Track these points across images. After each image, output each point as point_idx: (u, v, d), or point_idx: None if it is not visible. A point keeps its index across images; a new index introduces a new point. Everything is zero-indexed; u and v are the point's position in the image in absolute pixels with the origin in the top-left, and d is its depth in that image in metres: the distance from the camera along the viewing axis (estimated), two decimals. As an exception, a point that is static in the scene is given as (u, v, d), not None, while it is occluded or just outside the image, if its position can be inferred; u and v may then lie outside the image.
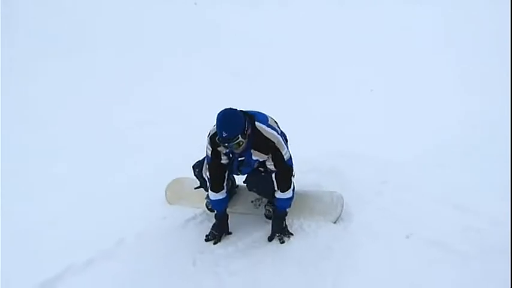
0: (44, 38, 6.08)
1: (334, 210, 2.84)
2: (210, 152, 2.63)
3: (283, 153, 2.59)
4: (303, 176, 3.26)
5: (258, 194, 2.88)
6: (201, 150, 2.67)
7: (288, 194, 2.68)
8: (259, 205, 2.96)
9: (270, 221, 2.75)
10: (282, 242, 2.67)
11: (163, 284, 2.30)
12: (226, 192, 2.74)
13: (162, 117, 4.45)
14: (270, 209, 2.79)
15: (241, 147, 2.47)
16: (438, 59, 5.83)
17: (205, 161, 2.71)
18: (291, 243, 2.63)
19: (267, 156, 2.60)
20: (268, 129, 2.57)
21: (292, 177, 2.69)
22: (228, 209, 2.81)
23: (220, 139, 2.41)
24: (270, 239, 2.70)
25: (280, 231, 2.71)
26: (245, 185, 2.89)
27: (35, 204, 3.14)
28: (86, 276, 2.32)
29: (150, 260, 2.47)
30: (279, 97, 4.49)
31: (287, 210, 2.74)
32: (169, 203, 3.09)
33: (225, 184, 2.72)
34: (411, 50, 6.22)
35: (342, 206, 2.85)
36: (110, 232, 2.70)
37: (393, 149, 3.63)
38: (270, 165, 2.63)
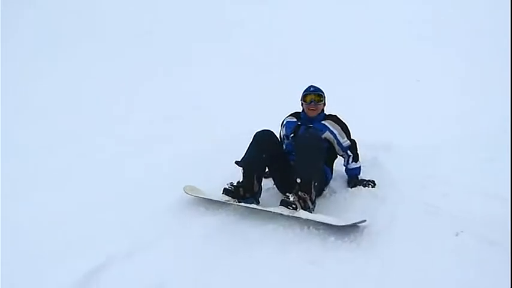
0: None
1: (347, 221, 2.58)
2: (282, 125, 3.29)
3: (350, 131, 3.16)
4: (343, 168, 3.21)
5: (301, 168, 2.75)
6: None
7: (359, 163, 3.18)
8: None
9: (284, 213, 2.64)
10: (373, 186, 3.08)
11: (205, 273, 2.26)
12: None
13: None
14: (289, 196, 2.65)
15: (318, 106, 3.12)
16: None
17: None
18: (332, 240, 2.49)
19: (338, 127, 3.09)
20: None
21: None
22: (242, 204, 2.76)
23: (307, 91, 3.15)
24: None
25: (360, 184, 3.09)
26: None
27: (76, 194, 3.15)
28: (128, 266, 2.30)
29: (191, 252, 2.44)
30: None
31: (359, 176, 3.17)
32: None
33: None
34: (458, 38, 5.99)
35: (354, 225, 2.58)
36: (150, 224, 2.68)
37: (438, 142, 3.50)
38: (345, 142, 3.11)
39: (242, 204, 2.76)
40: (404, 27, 7.04)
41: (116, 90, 4.12)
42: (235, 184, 2.82)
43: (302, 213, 2.60)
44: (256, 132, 2.92)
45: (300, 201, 2.64)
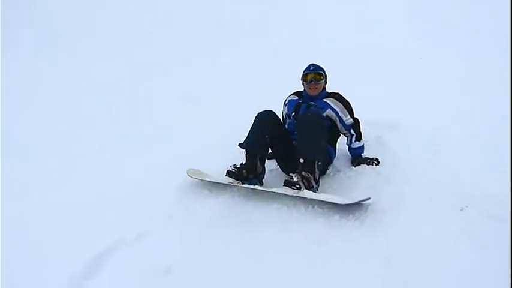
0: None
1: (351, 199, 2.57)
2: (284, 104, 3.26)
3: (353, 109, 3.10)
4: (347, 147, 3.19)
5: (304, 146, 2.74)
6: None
7: (362, 142, 3.13)
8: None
9: (287, 193, 2.63)
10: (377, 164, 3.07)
11: (213, 254, 2.29)
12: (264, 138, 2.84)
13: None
14: (292, 176, 2.65)
15: (318, 84, 3.08)
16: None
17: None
18: (337, 218, 2.49)
19: (340, 104, 3.05)
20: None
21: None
22: (246, 186, 2.76)
23: (307, 70, 3.10)
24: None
25: (364, 162, 3.08)
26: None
27: (83, 180, 3.19)
28: (136, 249, 2.34)
29: (197, 235, 2.46)
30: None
31: (363, 155, 3.15)
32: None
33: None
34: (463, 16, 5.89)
35: (358, 203, 2.56)
36: (159, 208, 2.70)
37: (444, 120, 3.47)
38: (348, 120, 3.06)
39: (246, 185, 2.76)
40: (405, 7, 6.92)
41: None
42: (238, 166, 2.82)
43: (306, 193, 2.60)
44: (258, 113, 2.91)
45: (304, 181, 2.63)
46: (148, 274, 2.15)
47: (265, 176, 2.95)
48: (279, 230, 2.44)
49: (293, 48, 6.16)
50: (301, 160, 2.69)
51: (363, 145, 3.14)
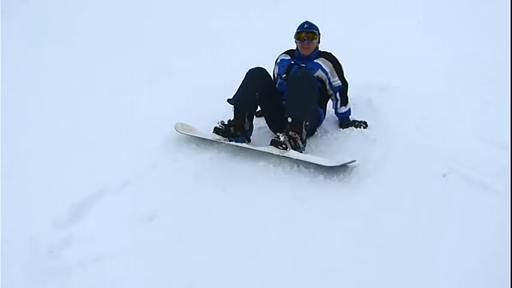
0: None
1: (336, 162, 2.58)
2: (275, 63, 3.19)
3: (344, 71, 3.05)
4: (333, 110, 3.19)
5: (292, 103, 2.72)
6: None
7: (348, 106, 3.12)
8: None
9: (274, 152, 2.62)
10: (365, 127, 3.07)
11: (197, 205, 2.32)
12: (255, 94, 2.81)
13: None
14: (279, 136, 2.65)
15: (311, 44, 3.00)
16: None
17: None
18: (321, 178, 2.52)
19: (330, 64, 3.00)
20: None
21: None
22: (233, 143, 2.76)
23: (300, 28, 3.02)
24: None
25: (352, 125, 3.08)
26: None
27: (66, 126, 3.17)
28: (121, 196, 2.37)
29: (181, 186, 2.48)
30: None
31: (350, 117, 3.15)
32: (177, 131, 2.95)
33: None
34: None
35: (343, 165, 2.57)
36: (143, 156, 2.72)
37: (435, 83, 3.46)
38: (335, 81, 3.03)
39: (232, 143, 2.76)
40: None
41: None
42: (225, 123, 2.80)
43: (292, 153, 2.61)
44: (249, 70, 2.86)
45: (291, 140, 2.64)
46: (133, 221, 2.18)
47: (252, 134, 2.95)
48: (262, 187, 2.46)
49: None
50: (289, 119, 2.68)
51: (349, 109, 3.13)
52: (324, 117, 3.10)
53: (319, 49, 3.11)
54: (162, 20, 6.25)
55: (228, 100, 2.81)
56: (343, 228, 2.13)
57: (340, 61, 3.06)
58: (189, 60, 4.72)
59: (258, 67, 2.87)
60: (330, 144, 2.96)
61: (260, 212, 2.28)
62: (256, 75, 2.84)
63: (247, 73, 2.85)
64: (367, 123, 3.10)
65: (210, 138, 2.81)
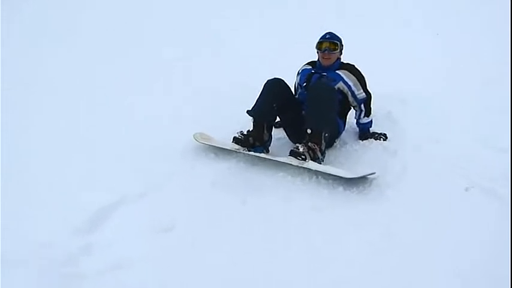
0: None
1: (356, 174, 2.55)
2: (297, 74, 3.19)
3: (366, 82, 3.04)
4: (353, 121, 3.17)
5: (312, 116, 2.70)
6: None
7: (371, 117, 3.09)
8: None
9: (293, 163, 2.62)
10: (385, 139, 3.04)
11: (215, 216, 2.31)
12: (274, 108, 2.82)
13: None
14: (298, 146, 2.64)
15: (332, 54, 2.97)
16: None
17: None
18: (340, 190, 2.49)
19: (354, 77, 2.98)
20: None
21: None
22: (252, 153, 2.76)
23: (322, 38, 3.01)
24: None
25: (371, 137, 3.05)
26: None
27: (87, 134, 3.18)
28: (139, 204, 2.38)
29: (200, 196, 2.48)
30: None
31: (371, 130, 3.13)
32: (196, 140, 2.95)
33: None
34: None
35: (362, 177, 2.54)
36: (161, 164, 2.73)
37: (456, 96, 3.41)
38: (360, 94, 3.00)
39: (251, 153, 2.76)
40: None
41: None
42: (245, 133, 2.80)
43: (311, 164, 2.59)
44: (267, 81, 2.86)
45: (310, 151, 2.62)
46: (151, 230, 2.18)
47: (271, 144, 2.94)
48: (281, 197, 2.45)
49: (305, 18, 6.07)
50: (309, 131, 2.67)
51: (371, 120, 3.10)
52: (344, 129, 3.07)
53: (342, 60, 3.10)
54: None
55: (247, 111, 2.82)
56: (360, 239, 2.11)
57: (363, 73, 3.05)
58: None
59: (275, 78, 2.87)
60: (349, 156, 2.93)
61: (278, 222, 2.26)
62: (273, 86, 2.84)
63: (265, 84, 2.86)
64: (387, 135, 3.06)
65: (229, 148, 2.81)
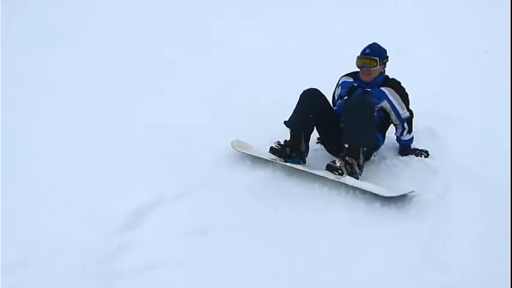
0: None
1: (394, 192, 2.48)
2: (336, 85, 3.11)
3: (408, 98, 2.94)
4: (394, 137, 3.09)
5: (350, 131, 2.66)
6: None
7: (412, 134, 2.99)
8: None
9: (329, 177, 2.59)
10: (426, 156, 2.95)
11: (249, 223, 2.32)
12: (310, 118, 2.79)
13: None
14: (335, 161, 2.61)
15: (372, 71, 2.85)
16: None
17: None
18: (378, 206, 2.43)
19: (398, 96, 2.88)
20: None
21: None
22: (288, 164, 2.74)
23: (362, 53, 2.87)
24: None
25: (412, 153, 2.97)
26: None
27: (127, 137, 3.25)
28: (176, 207, 2.43)
29: (235, 202, 2.50)
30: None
31: (411, 146, 3.02)
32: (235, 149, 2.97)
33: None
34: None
35: (402, 195, 2.48)
36: (198, 170, 2.78)
37: (499, 113, 3.27)
38: (404, 114, 2.91)
39: (288, 164, 2.75)
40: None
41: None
42: (282, 143, 2.80)
43: (348, 180, 2.56)
44: (303, 91, 2.84)
45: (347, 166, 2.59)
46: (186, 233, 2.22)
47: (308, 155, 2.92)
48: (316, 209, 2.43)
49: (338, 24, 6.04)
50: (346, 145, 2.64)
51: (412, 137, 3.01)
52: (383, 143, 3.00)
53: (386, 74, 3.00)
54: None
55: (284, 122, 2.82)
56: (399, 258, 2.05)
57: (407, 91, 2.95)
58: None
59: (311, 88, 2.85)
60: (388, 171, 2.86)
61: (311, 234, 2.24)
62: (310, 96, 2.81)
63: (301, 95, 2.84)
64: (429, 152, 2.97)
65: (266, 158, 2.82)
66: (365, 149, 2.68)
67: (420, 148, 3.01)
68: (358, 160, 2.63)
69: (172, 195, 2.49)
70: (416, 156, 2.95)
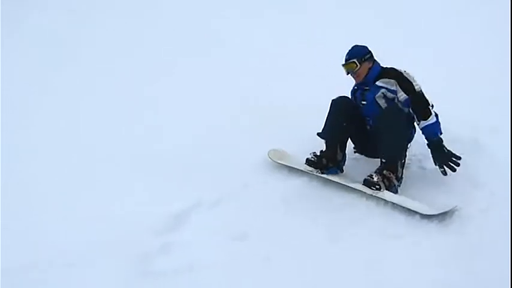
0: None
1: (435, 209, 2.39)
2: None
3: (413, 82, 2.67)
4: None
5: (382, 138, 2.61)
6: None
7: (431, 120, 2.58)
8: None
9: (365, 191, 2.56)
10: (445, 174, 2.59)
11: (285, 231, 2.34)
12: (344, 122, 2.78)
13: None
14: (373, 175, 2.56)
15: (357, 72, 2.79)
16: None
17: None
18: (417, 218, 2.37)
19: (394, 82, 2.69)
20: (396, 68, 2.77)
21: (431, 107, 2.62)
22: (325, 176, 2.74)
23: (343, 63, 2.83)
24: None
25: (441, 161, 2.57)
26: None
27: (168, 142, 3.34)
28: (214, 211, 2.50)
29: (273, 207, 2.53)
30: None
31: (440, 136, 2.59)
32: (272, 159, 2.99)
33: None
34: None
35: (443, 213, 2.37)
36: (236, 176, 2.83)
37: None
38: (401, 96, 2.67)
39: (325, 175, 2.75)
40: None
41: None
42: (318, 154, 2.80)
43: (386, 195, 2.52)
44: (333, 100, 2.83)
45: (385, 180, 2.56)
46: (224, 238, 2.27)
47: (346, 163, 2.89)
48: (353, 219, 2.41)
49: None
50: (383, 160, 2.62)
51: (433, 123, 2.58)
52: (415, 132, 2.81)
53: (381, 66, 2.85)
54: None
55: (318, 134, 2.83)
56: (436, 274, 2.00)
57: (405, 72, 2.72)
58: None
59: (340, 97, 2.84)
60: (428, 182, 2.76)
61: (347, 244, 2.23)
62: (340, 105, 2.81)
63: (331, 104, 2.82)
64: (461, 158, 2.59)
65: (302, 169, 2.83)
66: (403, 161, 2.64)
67: (453, 152, 2.59)
68: (397, 173, 2.60)
69: (211, 200, 2.56)
70: (445, 158, 2.56)
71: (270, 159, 2.99)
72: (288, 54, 4.83)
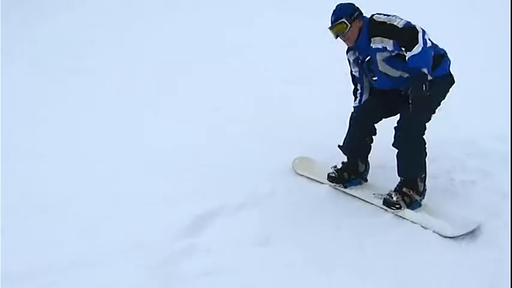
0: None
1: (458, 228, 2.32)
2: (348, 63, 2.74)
3: (396, 23, 2.38)
4: (464, 159, 2.96)
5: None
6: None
7: (415, 50, 2.26)
8: (380, 198, 2.59)
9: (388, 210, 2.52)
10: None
11: (309, 239, 2.34)
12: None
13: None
14: (392, 195, 2.50)
15: (348, 34, 2.47)
16: None
17: None
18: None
19: (389, 40, 2.37)
20: (387, 16, 2.48)
21: (420, 34, 2.28)
22: (348, 191, 2.72)
23: (330, 25, 2.51)
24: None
25: (416, 98, 2.27)
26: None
27: (192, 145, 3.36)
28: (238, 216, 2.51)
29: (297, 214, 2.54)
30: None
31: (424, 71, 2.25)
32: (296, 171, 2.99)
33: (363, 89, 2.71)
34: None
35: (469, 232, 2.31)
36: (262, 181, 2.84)
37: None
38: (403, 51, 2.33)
39: (347, 190, 2.73)
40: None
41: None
42: (339, 168, 2.75)
43: (407, 214, 2.46)
44: (352, 114, 2.74)
45: (405, 198, 2.48)
46: (246, 243, 2.29)
47: (369, 173, 2.84)
48: (377, 229, 2.40)
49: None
50: (402, 178, 2.53)
51: (415, 55, 2.26)
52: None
53: (367, 22, 2.51)
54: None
55: (339, 147, 2.79)
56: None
57: (392, 21, 2.41)
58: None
59: (358, 110, 2.73)
60: (451, 193, 2.71)
61: (370, 253, 2.22)
62: (360, 121, 2.69)
63: (351, 118, 2.73)
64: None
65: (325, 183, 2.82)
66: (423, 175, 2.53)
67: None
68: (417, 189, 2.50)
69: (235, 205, 2.58)
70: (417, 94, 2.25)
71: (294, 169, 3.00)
72: (308, 60, 4.83)
